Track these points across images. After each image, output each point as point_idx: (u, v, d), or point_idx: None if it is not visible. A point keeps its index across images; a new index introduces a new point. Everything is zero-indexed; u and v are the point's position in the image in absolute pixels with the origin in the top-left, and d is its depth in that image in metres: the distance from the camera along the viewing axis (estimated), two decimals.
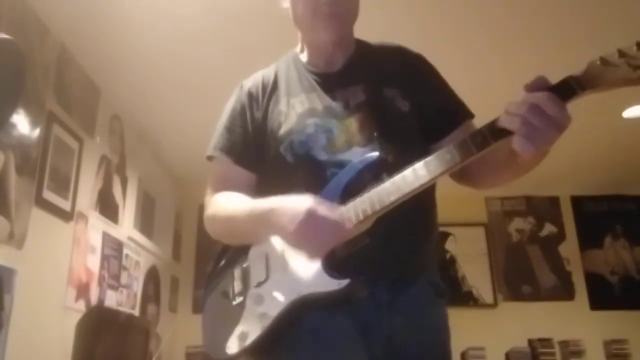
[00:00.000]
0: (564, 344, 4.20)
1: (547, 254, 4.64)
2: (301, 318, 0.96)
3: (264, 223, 0.99)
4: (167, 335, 3.76)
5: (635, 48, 0.75)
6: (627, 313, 4.35)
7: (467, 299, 4.46)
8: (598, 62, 0.77)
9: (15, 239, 2.04)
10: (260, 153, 1.14)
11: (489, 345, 4.13)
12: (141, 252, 3.49)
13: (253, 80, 1.23)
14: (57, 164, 2.39)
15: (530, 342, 4.21)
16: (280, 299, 0.97)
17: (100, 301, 2.79)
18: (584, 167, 4.16)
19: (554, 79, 0.82)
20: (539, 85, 0.81)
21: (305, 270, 0.97)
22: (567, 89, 0.79)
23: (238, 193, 1.12)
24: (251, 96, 1.19)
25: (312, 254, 0.94)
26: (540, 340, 4.19)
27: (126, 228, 3.23)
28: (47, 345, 2.26)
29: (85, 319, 2.45)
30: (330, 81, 1.15)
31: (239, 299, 1.05)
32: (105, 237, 2.89)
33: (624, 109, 3.34)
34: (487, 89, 2.56)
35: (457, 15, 2.43)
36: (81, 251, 2.59)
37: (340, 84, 1.14)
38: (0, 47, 1.99)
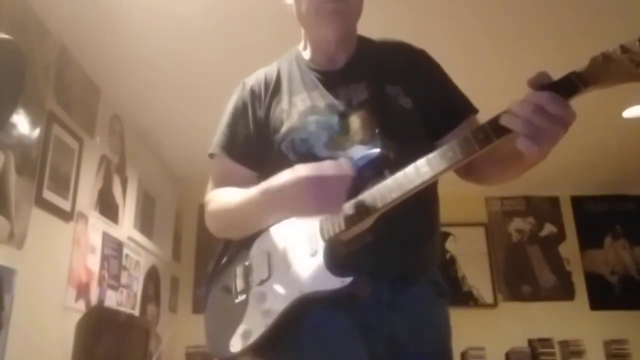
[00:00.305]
0: (564, 344, 4.20)
1: (547, 254, 4.64)
2: (303, 316, 0.96)
3: (270, 205, 0.98)
4: (167, 335, 3.75)
5: (637, 43, 0.74)
6: (627, 313, 4.35)
7: (467, 299, 4.46)
8: (600, 58, 0.76)
9: (15, 239, 2.03)
10: (262, 151, 1.14)
11: (489, 345, 4.13)
12: (141, 252, 3.48)
13: (255, 78, 1.22)
14: (57, 164, 2.39)
15: (530, 342, 4.21)
16: (283, 297, 0.97)
17: (100, 301, 2.78)
18: (584, 167, 4.16)
19: (554, 76, 0.81)
20: (541, 81, 0.80)
21: (308, 268, 0.96)
22: (569, 86, 0.78)
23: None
24: (253, 94, 1.19)
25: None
26: (540, 340, 4.19)
27: (126, 228, 3.23)
28: (47, 345, 2.25)
29: (85, 319, 2.45)
30: (332, 79, 1.15)
31: (241, 297, 1.05)
32: (105, 237, 2.89)
33: (624, 109, 3.34)
34: (486, 87, 2.55)
35: (456, 13, 2.43)
36: (81, 251, 2.59)
37: (343, 82, 1.14)
38: (0, 47, 1.99)
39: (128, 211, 3.28)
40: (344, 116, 1.09)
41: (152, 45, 2.57)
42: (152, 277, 3.71)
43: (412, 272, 1.06)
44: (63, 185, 2.44)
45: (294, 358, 0.98)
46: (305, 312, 0.96)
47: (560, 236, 4.69)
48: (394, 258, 1.02)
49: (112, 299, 2.95)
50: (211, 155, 1.21)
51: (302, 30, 1.23)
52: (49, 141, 2.32)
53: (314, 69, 1.19)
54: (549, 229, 4.72)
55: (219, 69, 2.71)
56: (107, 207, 2.96)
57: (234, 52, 2.61)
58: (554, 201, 4.78)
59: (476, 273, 4.52)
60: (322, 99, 1.12)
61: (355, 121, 1.08)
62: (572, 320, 4.36)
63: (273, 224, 1.05)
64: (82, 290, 2.58)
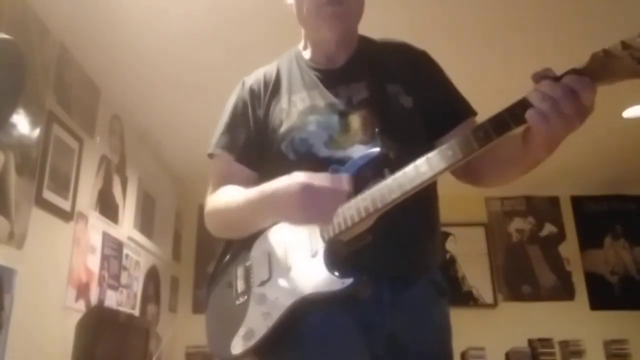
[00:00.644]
0: (564, 344, 4.20)
1: (547, 254, 4.64)
2: (304, 317, 0.96)
3: (264, 208, 0.99)
4: (167, 335, 3.75)
5: (638, 40, 0.73)
6: (627, 313, 4.35)
7: (467, 299, 4.46)
8: (601, 54, 0.75)
9: (15, 239, 2.03)
10: (261, 151, 1.14)
11: (489, 345, 4.13)
12: (141, 252, 3.48)
13: (255, 77, 1.22)
14: (57, 164, 2.39)
15: (530, 342, 4.20)
16: (283, 298, 0.97)
17: (100, 301, 2.78)
18: (584, 167, 4.16)
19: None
20: (546, 76, 0.79)
21: (308, 269, 0.96)
22: None
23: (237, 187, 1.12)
24: (253, 93, 1.19)
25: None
26: (540, 340, 4.19)
27: (126, 228, 3.22)
28: (47, 345, 2.25)
29: (85, 319, 2.44)
30: (332, 77, 1.15)
31: (242, 299, 1.05)
32: (105, 237, 2.89)
33: (624, 109, 3.34)
34: (484, 86, 2.55)
35: (454, 13, 2.42)
36: (81, 251, 2.59)
37: (343, 81, 1.14)
38: (0, 47, 1.99)
39: (128, 211, 3.28)
40: (344, 115, 1.09)
41: (152, 45, 2.57)
42: (152, 277, 3.70)
43: (413, 272, 1.06)
44: (63, 185, 2.44)
45: (295, 359, 0.98)
46: (306, 313, 0.96)
47: (560, 236, 4.69)
48: (394, 258, 1.01)
49: (112, 299, 2.95)
50: (210, 155, 1.21)
51: (302, 30, 1.23)
52: (49, 141, 2.32)
53: (313, 68, 1.18)
54: (549, 229, 4.72)
55: (219, 69, 2.70)
56: (107, 207, 2.96)
57: (234, 52, 2.60)
58: (554, 201, 4.78)
59: (476, 273, 4.52)
60: (322, 98, 1.12)
61: (355, 120, 1.08)
62: (572, 320, 4.36)
63: (272, 225, 1.05)
64: (82, 290, 2.58)
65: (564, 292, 4.52)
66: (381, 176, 0.93)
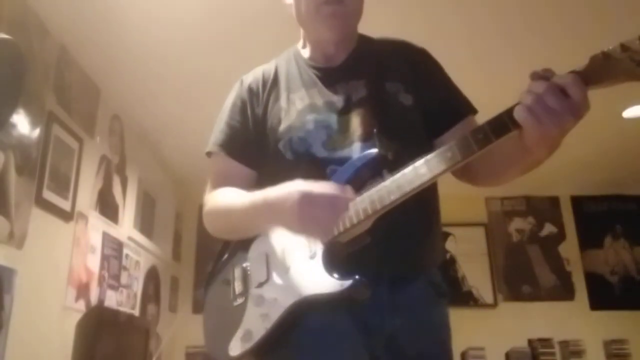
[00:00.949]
0: (564, 344, 4.19)
1: (547, 254, 4.63)
2: (303, 319, 0.96)
3: (263, 215, 0.98)
4: (167, 335, 3.76)
5: (638, 42, 0.72)
6: (627, 313, 4.34)
7: (467, 299, 4.45)
8: (600, 57, 0.75)
9: (15, 239, 2.03)
10: (260, 149, 1.13)
11: (489, 345, 4.13)
12: (141, 252, 3.48)
13: (253, 76, 1.22)
14: (57, 164, 2.39)
15: (530, 342, 4.20)
16: (281, 300, 0.97)
17: (100, 301, 2.78)
18: (584, 167, 4.15)
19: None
20: (545, 76, 0.79)
21: (307, 270, 0.96)
22: None
23: (236, 188, 1.11)
24: (251, 92, 1.18)
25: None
26: (540, 340, 4.18)
27: (126, 228, 3.22)
28: (47, 345, 2.25)
29: (85, 319, 2.45)
30: (331, 75, 1.15)
31: (240, 300, 1.04)
32: (105, 237, 2.89)
33: (624, 109, 3.33)
34: (497, 82, 2.52)
35: (467, 8, 2.39)
36: (81, 251, 2.59)
37: (342, 78, 1.13)
38: (0, 47, 1.99)
39: (128, 211, 3.28)
40: (342, 114, 1.08)
41: (152, 45, 2.57)
42: (152, 277, 3.70)
43: (412, 271, 1.05)
44: (63, 185, 2.44)
45: None
46: (304, 314, 0.95)
47: (560, 236, 4.69)
48: (393, 259, 1.01)
49: (112, 299, 2.95)
50: (209, 154, 1.20)
51: (301, 30, 1.23)
52: (49, 141, 2.32)
53: (312, 66, 1.18)
54: (549, 229, 4.71)
55: (219, 70, 2.70)
56: (107, 207, 2.96)
57: (234, 53, 2.60)
58: (554, 201, 4.77)
59: (476, 273, 4.52)
60: (320, 96, 1.12)
61: (354, 119, 1.07)
62: (572, 320, 4.35)
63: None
64: (82, 290, 2.58)
65: (564, 292, 4.51)
66: (380, 177, 0.93)
